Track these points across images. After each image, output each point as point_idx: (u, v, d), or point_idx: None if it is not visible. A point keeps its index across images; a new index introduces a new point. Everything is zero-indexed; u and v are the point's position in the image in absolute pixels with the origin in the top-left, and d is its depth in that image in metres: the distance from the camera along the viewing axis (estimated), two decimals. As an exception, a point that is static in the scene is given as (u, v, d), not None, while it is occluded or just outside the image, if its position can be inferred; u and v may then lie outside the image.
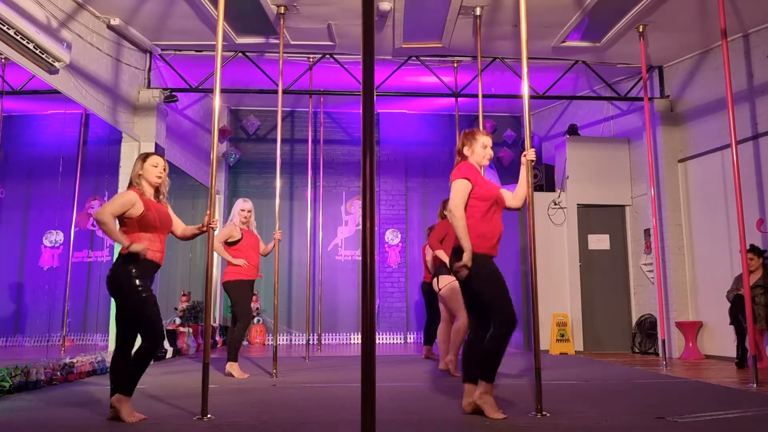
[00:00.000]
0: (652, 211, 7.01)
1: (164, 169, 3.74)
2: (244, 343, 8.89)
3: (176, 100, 7.73)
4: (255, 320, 9.79)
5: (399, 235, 10.55)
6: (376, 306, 9.69)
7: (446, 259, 5.59)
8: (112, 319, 6.86)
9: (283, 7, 6.47)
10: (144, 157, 3.73)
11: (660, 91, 8.20)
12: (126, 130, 7.12)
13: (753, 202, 6.73)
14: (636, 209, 8.64)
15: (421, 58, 7.89)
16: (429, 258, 6.78)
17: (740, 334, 6.29)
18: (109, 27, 6.72)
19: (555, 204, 8.59)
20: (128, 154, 7.22)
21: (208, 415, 3.55)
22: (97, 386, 5.11)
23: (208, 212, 3.90)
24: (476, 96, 6.98)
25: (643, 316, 8.28)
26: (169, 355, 7.62)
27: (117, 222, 3.61)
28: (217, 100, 4.05)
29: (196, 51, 7.72)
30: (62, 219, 7.67)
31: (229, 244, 5.66)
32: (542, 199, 8.52)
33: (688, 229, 7.81)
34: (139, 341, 3.56)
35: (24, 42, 5.01)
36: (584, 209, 8.68)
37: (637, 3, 6.45)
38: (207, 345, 3.70)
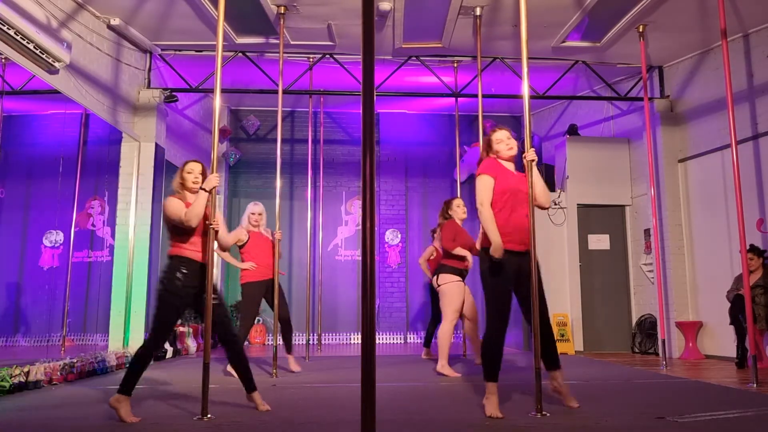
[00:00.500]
0: (652, 211, 7.01)
1: (201, 173, 3.88)
2: (245, 343, 8.88)
3: (176, 100, 7.73)
4: (255, 320, 9.78)
5: (399, 235, 10.55)
6: (376, 306, 9.69)
7: (468, 254, 5.69)
8: (112, 319, 6.89)
9: (283, 7, 6.47)
10: (182, 165, 3.90)
11: (660, 91, 8.20)
12: (126, 130, 7.12)
13: (753, 202, 6.73)
14: (636, 209, 8.64)
15: (421, 58, 7.89)
16: (423, 258, 6.81)
17: (740, 334, 6.29)
18: (109, 27, 6.72)
19: (555, 204, 8.59)
20: (128, 154, 7.22)
21: (208, 415, 3.56)
22: (97, 386, 5.11)
23: (208, 212, 3.89)
24: (476, 96, 6.99)
25: (643, 316, 8.28)
26: (169, 355, 7.62)
27: (168, 229, 3.79)
28: (217, 100, 4.05)
29: (196, 51, 7.72)
30: (62, 219, 7.67)
31: (239, 247, 5.77)
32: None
33: (688, 229, 7.81)
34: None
35: (24, 42, 5.01)
36: (584, 209, 8.68)
37: (637, 3, 6.45)
38: (207, 345, 3.70)
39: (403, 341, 10.24)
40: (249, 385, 3.83)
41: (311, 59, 7.92)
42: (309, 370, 6.05)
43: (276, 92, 6.73)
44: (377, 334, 9.50)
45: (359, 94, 2.07)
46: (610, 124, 9.27)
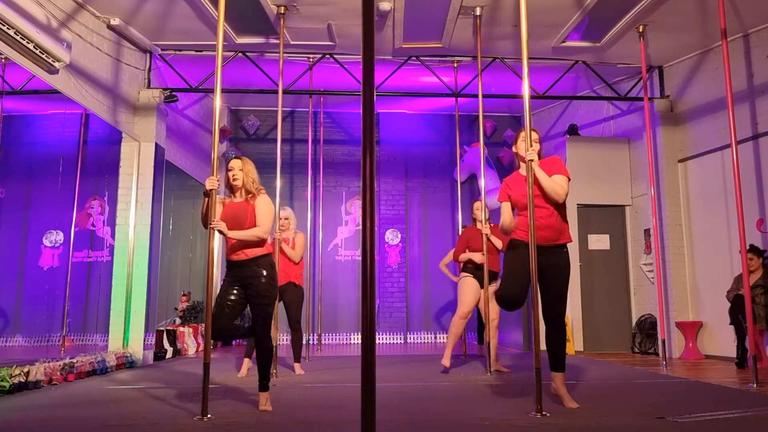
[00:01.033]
0: (652, 211, 7.01)
1: (240, 170, 3.91)
2: (244, 342, 8.90)
3: (176, 100, 7.73)
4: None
5: (399, 235, 10.55)
6: (376, 306, 9.69)
7: (474, 256, 5.91)
8: (112, 319, 6.90)
9: (283, 7, 6.47)
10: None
11: (660, 91, 8.20)
12: (126, 130, 7.12)
13: (753, 202, 6.73)
14: (636, 209, 8.64)
15: (421, 58, 7.89)
16: (443, 263, 6.86)
17: (740, 334, 6.29)
18: (109, 27, 6.72)
19: (555, 204, 8.58)
20: (128, 154, 7.22)
21: (208, 415, 3.55)
22: (97, 386, 5.12)
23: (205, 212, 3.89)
24: (476, 96, 6.98)
25: (643, 316, 8.28)
26: (169, 355, 7.63)
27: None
28: (217, 100, 4.05)
29: (196, 51, 7.72)
30: (62, 219, 7.68)
31: None
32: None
33: (688, 229, 7.81)
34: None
35: (24, 42, 5.01)
36: (584, 209, 8.68)
37: (637, 3, 6.45)
38: (207, 345, 3.70)
39: (403, 341, 10.24)
40: (262, 384, 3.85)
41: (311, 59, 7.92)
42: (309, 370, 6.05)
43: (276, 92, 6.73)
44: (377, 334, 9.50)
45: (359, 94, 2.07)
46: (610, 124, 9.27)
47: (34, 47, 5.14)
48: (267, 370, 3.86)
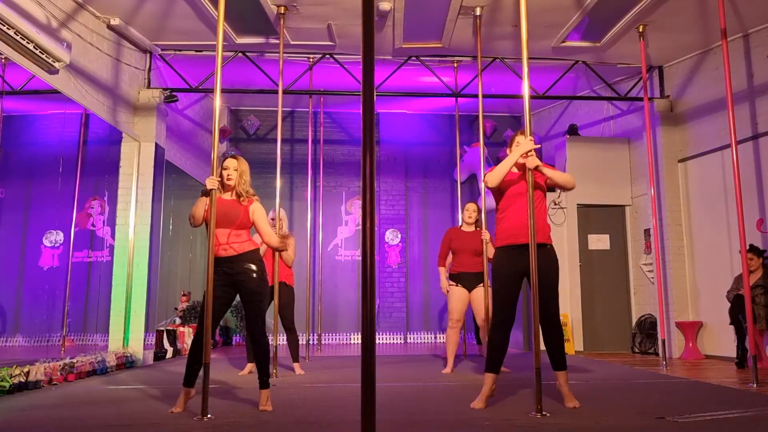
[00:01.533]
0: (652, 211, 7.01)
1: (235, 170, 3.89)
2: (243, 343, 8.90)
3: (176, 100, 7.73)
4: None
5: (399, 235, 10.55)
6: (376, 306, 9.69)
7: (442, 279, 6.07)
8: (112, 319, 6.90)
9: (283, 7, 6.47)
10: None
11: (660, 91, 8.20)
12: (126, 130, 7.12)
13: (753, 202, 6.73)
14: (636, 209, 8.64)
15: (421, 58, 7.89)
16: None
17: (740, 334, 6.29)
18: (109, 27, 6.71)
19: (555, 204, 8.59)
20: (128, 154, 7.22)
21: (208, 415, 3.55)
22: (97, 386, 5.12)
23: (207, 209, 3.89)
24: (476, 96, 6.98)
25: (643, 316, 8.28)
26: (169, 355, 7.63)
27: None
28: (217, 100, 4.05)
29: (196, 51, 7.72)
30: (62, 219, 7.68)
31: None
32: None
33: (688, 229, 7.81)
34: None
35: (24, 42, 5.01)
36: (584, 209, 8.68)
37: (637, 3, 6.45)
38: (207, 345, 3.70)
39: (403, 341, 10.24)
40: (261, 382, 3.85)
41: (311, 59, 7.92)
42: (309, 370, 6.05)
43: (276, 92, 6.73)
44: (377, 334, 9.50)
45: (359, 94, 2.07)
46: (610, 124, 9.27)
47: (34, 47, 5.14)
48: (266, 367, 3.85)
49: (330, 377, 5.67)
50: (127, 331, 6.86)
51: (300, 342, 6.23)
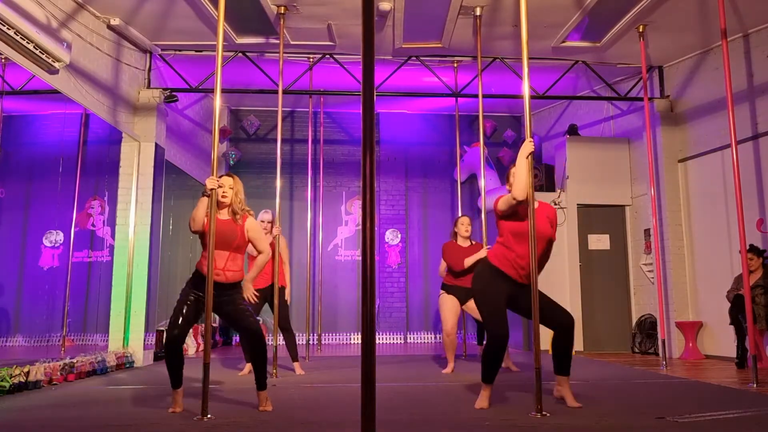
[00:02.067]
0: (652, 211, 7.01)
1: (230, 188, 3.88)
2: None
3: (176, 100, 7.73)
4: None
5: (399, 235, 10.55)
6: (376, 306, 9.68)
7: (479, 255, 5.84)
8: (112, 319, 6.90)
9: (283, 7, 6.47)
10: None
11: (660, 91, 8.20)
12: (126, 130, 7.12)
13: (753, 202, 6.73)
14: (636, 209, 8.64)
15: (421, 58, 7.89)
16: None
17: (740, 334, 6.29)
18: (109, 27, 6.71)
19: (555, 204, 8.59)
20: (128, 154, 7.22)
21: (208, 415, 3.55)
22: (97, 386, 5.12)
23: (208, 213, 3.89)
24: (476, 96, 6.99)
25: (643, 316, 8.28)
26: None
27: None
28: (217, 100, 4.05)
29: (196, 51, 7.72)
30: (62, 219, 7.68)
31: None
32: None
33: (688, 229, 7.81)
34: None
35: (24, 42, 5.01)
36: (584, 209, 8.68)
37: (637, 3, 6.45)
38: (207, 345, 3.70)
39: (403, 341, 10.24)
40: (259, 384, 3.85)
41: (311, 59, 7.92)
42: (309, 370, 6.05)
43: (276, 92, 6.73)
44: (377, 334, 9.50)
45: (359, 94, 2.07)
46: (610, 124, 9.27)
47: (34, 47, 5.13)
48: (263, 370, 3.85)
49: (330, 377, 5.67)
50: (127, 331, 6.86)
51: (300, 342, 6.24)
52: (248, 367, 5.78)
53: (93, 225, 8.21)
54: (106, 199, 8.05)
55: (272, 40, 7.38)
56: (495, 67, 7.97)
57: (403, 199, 10.66)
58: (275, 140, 6.58)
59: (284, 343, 5.91)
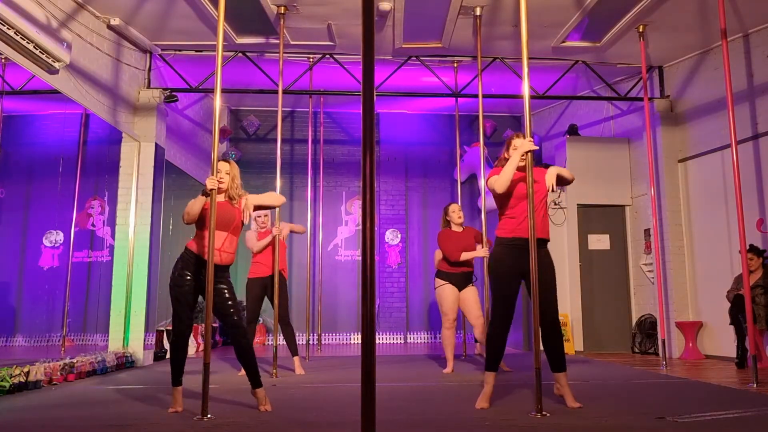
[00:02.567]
0: (652, 211, 7.01)
1: (227, 173, 3.94)
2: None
3: (176, 100, 7.73)
4: (256, 318, 9.79)
5: (399, 235, 10.55)
6: (376, 306, 9.69)
7: (474, 254, 5.94)
8: (112, 319, 6.90)
9: (283, 7, 6.47)
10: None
11: (660, 91, 8.20)
12: (126, 130, 7.12)
13: (753, 202, 6.73)
14: (636, 209, 8.64)
15: (421, 58, 7.89)
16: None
17: (740, 334, 6.29)
18: (109, 27, 6.71)
19: (555, 204, 8.59)
20: (128, 154, 7.22)
21: (208, 415, 3.55)
22: (97, 386, 5.12)
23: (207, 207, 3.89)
24: (476, 96, 6.99)
25: (643, 316, 8.28)
26: (169, 355, 7.62)
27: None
28: (217, 100, 4.05)
29: (196, 51, 7.72)
30: (62, 219, 7.68)
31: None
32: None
33: (688, 229, 7.81)
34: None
35: (24, 42, 5.01)
36: (584, 209, 8.68)
37: (637, 3, 6.45)
38: (207, 345, 3.70)
39: (403, 341, 10.24)
40: (254, 382, 3.84)
41: (311, 59, 7.92)
42: (309, 370, 6.05)
43: (276, 92, 6.73)
44: (377, 334, 9.50)
45: (359, 94, 2.07)
46: (610, 124, 9.27)
47: (34, 47, 5.13)
48: (254, 367, 3.84)
49: (330, 377, 5.67)
50: (127, 331, 6.86)
51: (300, 342, 6.24)
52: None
53: (93, 225, 8.21)
54: (106, 199, 8.05)
55: (272, 40, 7.38)
56: (495, 67, 7.97)
57: (403, 199, 10.67)
58: (275, 140, 6.58)
59: (283, 338, 5.91)
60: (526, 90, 3.96)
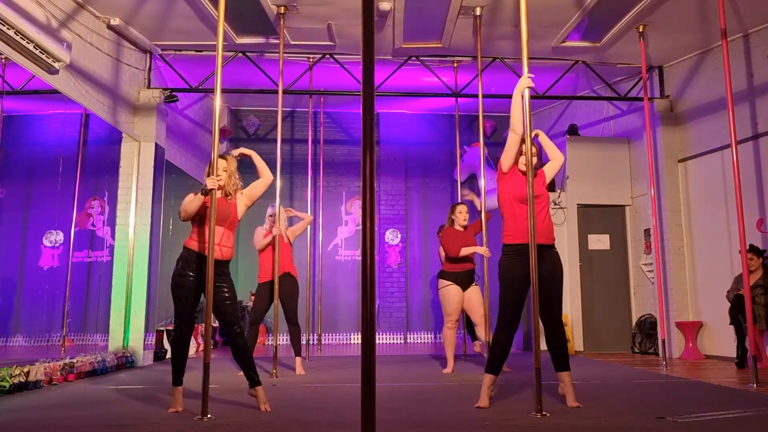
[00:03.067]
0: (652, 211, 7.01)
1: (224, 170, 3.96)
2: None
3: (176, 100, 7.73)
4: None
5: (399, 235, 10.55)
6: (376, 306, 9.69)
7: (475, 249, 5.96)
8: (112, 319, 6.89)
9: (283, 7, 6.47)
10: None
11: (660, 91, 8.20)
12: (126, 130, 7.12)
13: (753, 202, 6.73)
14: (636, 209, 8.64)
15: (421, 58, 7.89)
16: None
17: (740, 334, 6.29)
18: (109, 27, 6.71)
19: (555, 204, 8.59)
20: (128, 154, 7.22)
21: (208, 415, 3.55)
22: (97, 386, 5.12)
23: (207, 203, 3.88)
24: (476, 96, 6.98)
25: (643, 316, 8.28)
26: (169, 355, 7.62)
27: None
28: (217, 100, 4.05)
29: (196, 51, 7.72)
30: (62, 219, 7.68)
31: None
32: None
33: (688, 229, 7.81)
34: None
35: (24, 42, 5.01)
36: (584, 209, 8.68)
37: (637, 3, 6.45)
38: (207, 345, 3.70)
39: (403, 341, 10.24)
40: (251, 380, 3.85)
41: (311, 59, 7.92)
42: (309, 370, 6.05)
43: (276, 92, 6.73)
44: (377, 334, 9.50)
45: (359, 94, 2.07)
46: (610, 124, 9.28)
47: (34, 47, 5.13)
48: (251, 366, 3.85)
49: (330, 377, 5.67)
50: (127, 331, 6.86)
51: (300, 342, 6.23)
52: None
53: (93, 225, 8.22)
54: (106, 199, 8.06)
55: (272, 40, 7.38)
56: (495, 67, 7.97)
57: (403, 199, 10.67)
58: (275, 140, 6.58)
59: (289, 337, 5.90)
60: (526, 90, 3.96)
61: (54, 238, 7.77)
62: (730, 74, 5.48)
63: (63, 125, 7.52)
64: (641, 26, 6.95)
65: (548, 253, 3.87)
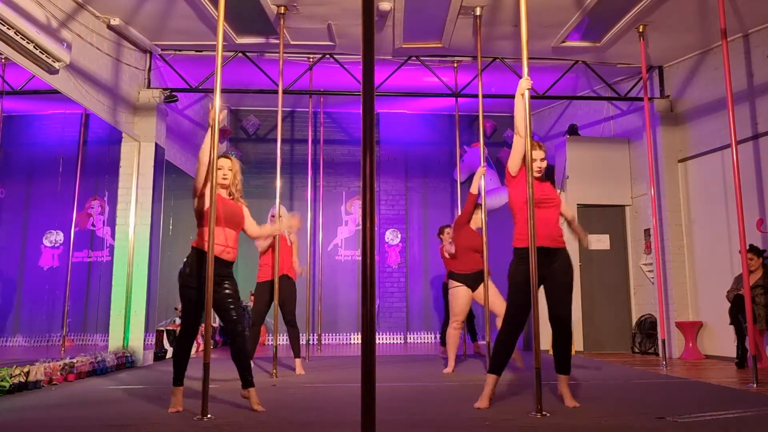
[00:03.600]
0: (652, 211, 7.01)
1: (230, 170, 3.94)
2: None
3: (176, 100, 7.73)
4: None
5: (399, 235, 10.55)
6: (376, 306, 9.69)
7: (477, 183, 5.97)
8: (112, 319, 6.90)
9: (283, 7, 6.47)
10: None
11: (660, 91, 8.20)
12: (126, 130, 7.12)
13: (753, 202, 6.73)
14: (636, 209, 8.64)
15: (421, 58, 7.89)
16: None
17: (740, 334, 6.29)
18: (109, 27, 6.71)
19: (555, 204, 8.58)
20: (128, 154, 7.22)
21: (208, 415, 3.55)
22: (97, 386, 5.12)
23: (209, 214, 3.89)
24: (476, 96, 6.98)
25: (643, 316, 8.28)
26: (169, 355, 7.62)
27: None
28: (217, 100, 4.04)
29: (196, 51, 7.72)
30: (62, 219, 7.68)
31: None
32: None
33: (688, 229, 7.81)
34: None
35: (24, 42, 5.01)
36: (584, 209, 8.68)
37: (637, 3, 6.45)
38: (207, 345, 3.70)
39: (403, 341, 10.24)
40: (245, 381, 3.86)
41: (311, 59, 7.92)
42: (309, 370, 6.05)
43: (276, 92, 6.73)
44: (377, 334, 9.50)
45: (359, 94, 2.07)
46: (610, 124, 9.27)
47: (34, 47, 5.13)
48: (248, 367, 3.86)
49: (330, 377, 5.67)
50: (127, 331, 6.86)
51: (300, 342, 6.22)
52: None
53: (93, 225, 8.22)
54: (106, 199, 8.06)
55: (272, 40, 7.38)
56: (495, 67, 7.97)
57: (403, 199, 10.67)
58: (275, 140, 6.58)
59: (288, 338, 5.89)
60: (526, 91, 3.96)
61: (54, 238, 7.77)
62: (730, 74, 5.48)
63: (63, 125, 7.52)
64: (641, 26, 6.95)
65: (560, 256, 3.95)
